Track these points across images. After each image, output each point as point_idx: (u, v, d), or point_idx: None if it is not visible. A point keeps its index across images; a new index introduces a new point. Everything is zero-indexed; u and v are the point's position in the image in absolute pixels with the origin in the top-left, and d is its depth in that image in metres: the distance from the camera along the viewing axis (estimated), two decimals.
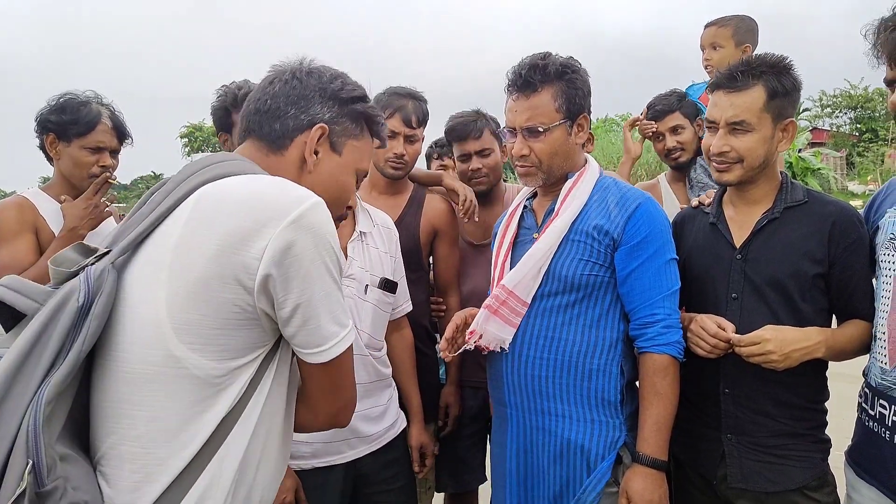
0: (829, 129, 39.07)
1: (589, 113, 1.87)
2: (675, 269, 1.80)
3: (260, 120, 1.23)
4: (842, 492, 1.79)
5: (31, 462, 0.94)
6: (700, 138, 2.68)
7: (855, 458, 1.73)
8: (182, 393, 1.03)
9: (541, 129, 1.78)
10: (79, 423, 1.09)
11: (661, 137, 2.75)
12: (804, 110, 38.92)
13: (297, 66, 1.27)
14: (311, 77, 1.25)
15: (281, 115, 1.22)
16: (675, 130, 2.70)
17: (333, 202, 1.25)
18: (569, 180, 1.85)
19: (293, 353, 1.18)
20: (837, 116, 41.95)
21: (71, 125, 2.18)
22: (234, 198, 1.07)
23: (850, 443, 1.77)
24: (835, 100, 40.94)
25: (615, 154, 21.23)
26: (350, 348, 1.17)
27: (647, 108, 2.79)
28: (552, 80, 1.78)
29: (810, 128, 34.46)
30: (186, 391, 1.04)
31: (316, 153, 1.24)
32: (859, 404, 1.74)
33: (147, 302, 1.04)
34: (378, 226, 2.16)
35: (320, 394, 1.19)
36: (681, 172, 2.79)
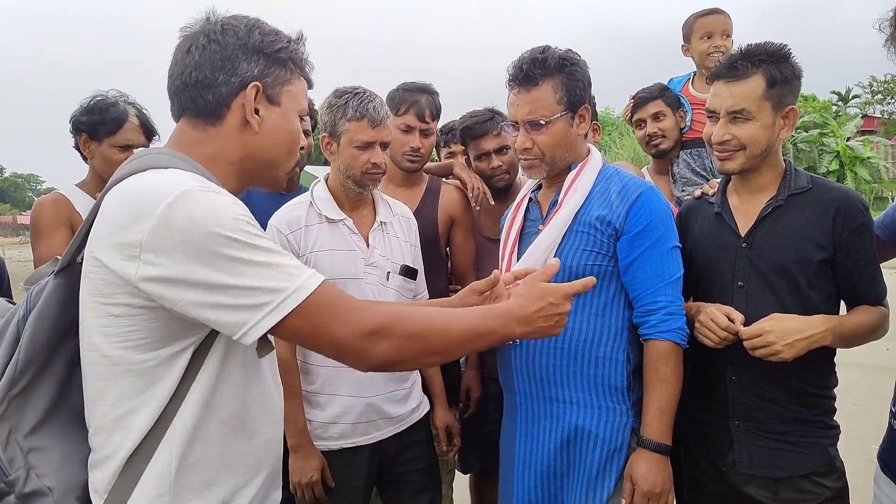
0: (880, 116, 37.67)
1: (590, 104, 1.89)
2: (678, 257, 1.82)
3: (191, 95, 1.19)
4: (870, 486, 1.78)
5: None
6: (682, 130, 2.72)
7: (883, 456, 1.72)
8: (122, 384, 1.10)
9: (542, 122, 1.81)
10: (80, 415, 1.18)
11: (642, 124, 2.76)
12: (853, 97, 37.63)
13: (209, 27, 1.20)
14: (228, 35, 1.19)
15: (211, 85, 1.18)
16: (656, 117, 2.72)
17: (287, 152, 1.28)
18: (571, 172, 1.88)
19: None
20: (889, 103, 40.39)
21: (100, 125, 2.30)
22: (115, 201, 1.08)
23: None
24: (886, 86, 39.40)
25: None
26: (300, 308, 1.06)
27: (632, 98, 2.81)
28: (552, 72, 1.80)
29: (860, 115, 33.28)
30: (125, 382, 1.10)
31: (256, 112, 1.21)
32: (891, 406, 1.72)
33: (82, 304, 1.13)
34: (397, 216, 2.24)
35: (313, 347, 1.15)
36: (662, 162, 2.81)
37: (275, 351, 1.30)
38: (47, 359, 1.15)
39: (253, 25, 1.22)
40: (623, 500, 1.76)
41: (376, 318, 1.12)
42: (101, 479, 1.12)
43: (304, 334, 1.09)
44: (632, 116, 2.82)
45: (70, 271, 1.16)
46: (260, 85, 1.20)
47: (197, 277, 1.02)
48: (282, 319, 1.05)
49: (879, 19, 1.58)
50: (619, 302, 1.83)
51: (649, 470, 1.71)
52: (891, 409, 1.70)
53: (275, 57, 1.22)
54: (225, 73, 1.18)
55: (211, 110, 1.19)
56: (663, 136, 2.71)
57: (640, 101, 2.76)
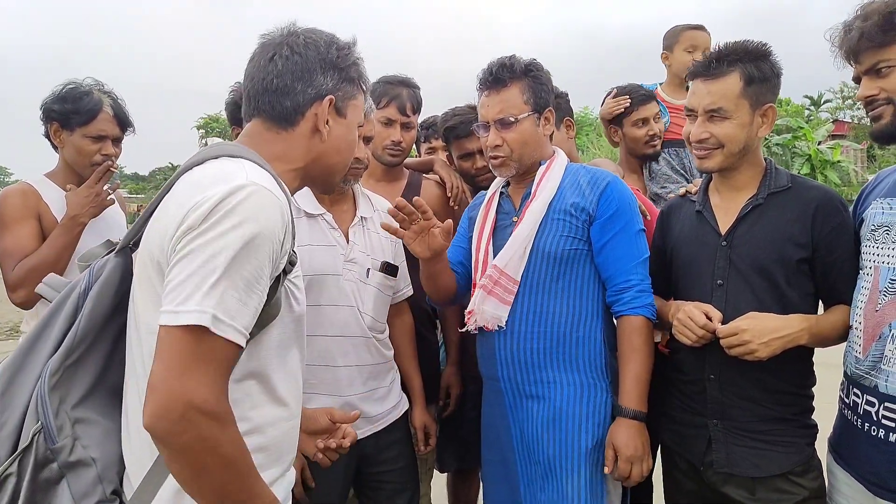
0: (850, 120, 38.34)
1: (554, 107, 2.04)
2: (644, 239, 1.95)
3: (270, 99, 1.29)
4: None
5: (40, 423, 1.13)
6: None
7: (833, 444, 1.74)
8: None
9: (512, 120, 1.94)
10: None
11: (643, 123, 2.73)
12: (825, 102, 38.31)
13: (291, 39, 1.31)
14: (310, 49, 1.31)
15: (290, 92, 1.29)
16: (657, 118, 2.74)
17: (346, 160, 1.41)
18: (542, 166, 2.01)
19: (283, 314, 1.23)
20: (859, 108, 41.04)
21: (73, 114, 2.21)
22: (186, 182, 1.14)
23: (828, 429, 1.78)
24: (857, 91, 39.95)
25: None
26: (212, 345, 1.02)
27: (627, 93, 2.74)
28: (519, 76, 1.96)
29: (831, 119, 33.91)
30: None
31: (326, 122, 1.32)
32: (839, 392, 1.75)
33: (137, 282, 1.17)
34: (378, 211, 2.20)
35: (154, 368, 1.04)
36: (635, 161, 2.83)
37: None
38: (99, 333, 1.20)
39: (331, 41, 1.34)
40: (606, 468, 1.83)
41: (220, 407, 1.03)
42: (138, 456, 1.14)
43: (173, 353, 1.01)
44: (629, 113, 2.74)
45: (127, 251, 1.24)
46: (333, 98, 1.32)
47: (201, 252, 1.04)
48: (191, 326, 1.00)
49: (830, 30, 1.62)
50: (593, 284, 1.94)
51: (630, 436, 1.80)
52: (840, 397, 1.72)
53: (346, 73, 1.35)
54: (303, 83, 1.29)
55: (286, 116, 1.30)
56: (659, 138, 2.75)
57: (642, 98, 2.72)
